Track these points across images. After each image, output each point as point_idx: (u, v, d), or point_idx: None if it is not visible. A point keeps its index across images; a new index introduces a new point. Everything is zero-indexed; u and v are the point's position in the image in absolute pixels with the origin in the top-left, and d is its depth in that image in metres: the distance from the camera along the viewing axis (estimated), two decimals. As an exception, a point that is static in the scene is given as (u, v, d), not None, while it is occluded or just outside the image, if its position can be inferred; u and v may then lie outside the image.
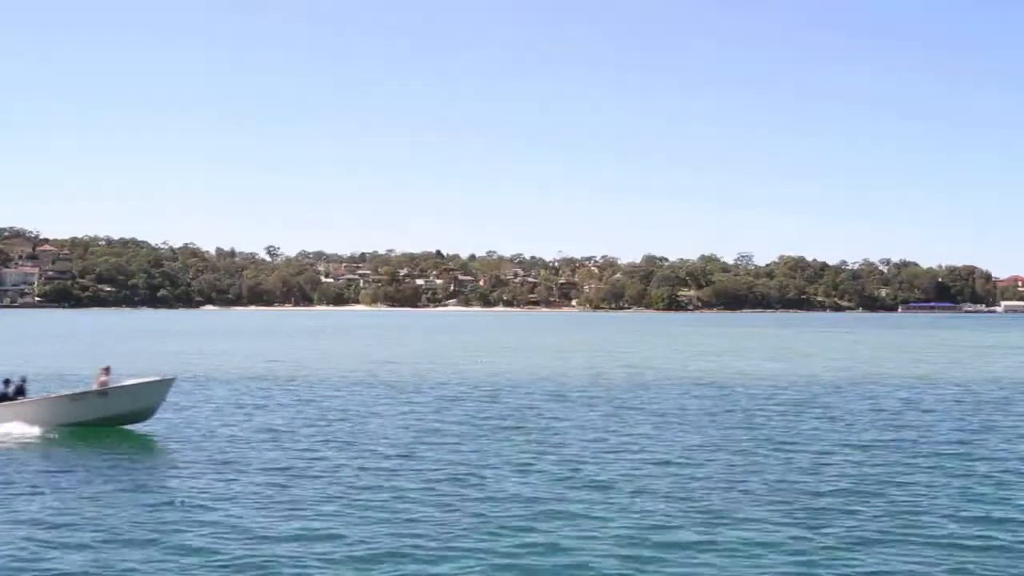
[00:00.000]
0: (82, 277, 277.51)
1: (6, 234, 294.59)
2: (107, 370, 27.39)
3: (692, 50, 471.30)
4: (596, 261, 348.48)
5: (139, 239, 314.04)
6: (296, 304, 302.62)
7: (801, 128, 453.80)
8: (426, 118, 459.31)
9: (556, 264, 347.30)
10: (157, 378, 27.98)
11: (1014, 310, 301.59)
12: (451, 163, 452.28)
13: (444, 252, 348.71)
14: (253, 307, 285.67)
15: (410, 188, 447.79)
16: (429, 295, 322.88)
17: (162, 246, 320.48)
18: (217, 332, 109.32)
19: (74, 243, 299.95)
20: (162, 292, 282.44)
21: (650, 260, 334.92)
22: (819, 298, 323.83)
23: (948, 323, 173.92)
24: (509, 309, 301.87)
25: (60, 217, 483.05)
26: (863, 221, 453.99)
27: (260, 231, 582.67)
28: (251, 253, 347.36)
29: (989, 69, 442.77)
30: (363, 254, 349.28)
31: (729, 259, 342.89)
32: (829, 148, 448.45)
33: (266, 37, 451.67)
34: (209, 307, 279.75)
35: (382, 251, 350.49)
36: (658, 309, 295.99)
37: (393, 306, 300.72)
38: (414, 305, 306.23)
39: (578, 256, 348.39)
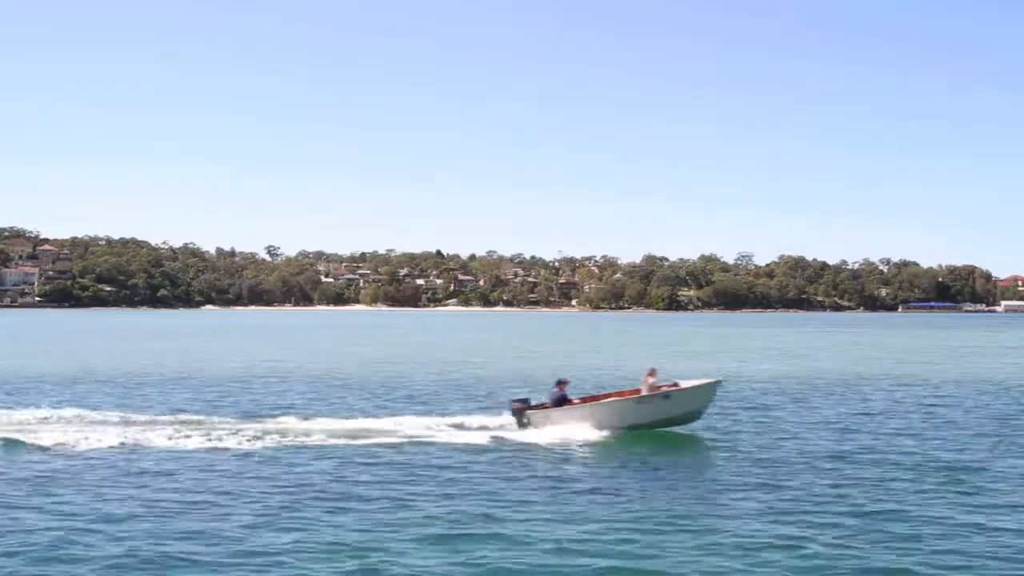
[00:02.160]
0: (82, 277, 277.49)
1: (6, 234, 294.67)
2: (653, 372, 27.31)
3: (692, 50, 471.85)
4: (596, 261, 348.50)
5: (139, 239, 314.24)
6: (296, 304, 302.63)
7: (801, 128, 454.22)
8: (426, 118, 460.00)
9: (556, 264, 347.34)
10: (710, 380, 28.23)
11: (1014, 310, 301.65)
12: (451, 163, 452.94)
13: (444, 252, 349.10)
14: (253, 307, 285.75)
15: (410, 188, 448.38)
16: (429, 295, 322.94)
17: (162, 246, 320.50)
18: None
19: (74, 243, 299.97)
20: (162, 292, 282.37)
21: (650, 260, 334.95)
22: (819, 298, 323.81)
23: (948, 323, 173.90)
24: (509, 309, 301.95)
25: (60, 217, 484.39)
26: (863, 221, 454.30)
27: (260, 231, 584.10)
28: (251, 253, 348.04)
29: (989, 69, 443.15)
30: (363, 254, 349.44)
31: (729, 259, 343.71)
32: (829, 148, 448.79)
33: (266, 37, 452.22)
34: (209, 307, 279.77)
35: (382, 251, 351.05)
36: (658, 309, 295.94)
37: (393, 306, 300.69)
38: (414, 305, 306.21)
39: (578, 256, 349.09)
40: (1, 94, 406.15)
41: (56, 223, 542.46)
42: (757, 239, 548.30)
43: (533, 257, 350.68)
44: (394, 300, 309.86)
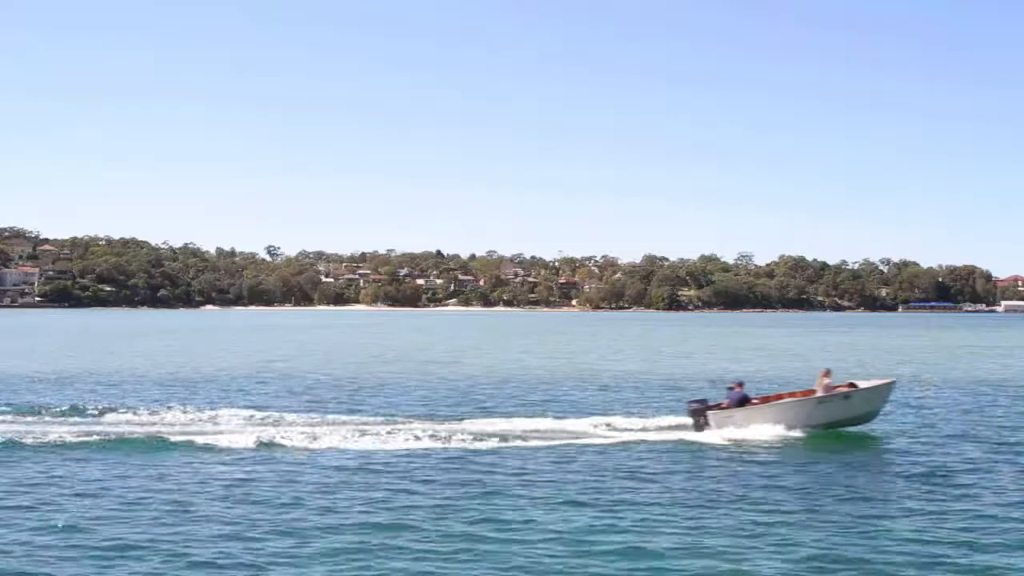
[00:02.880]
0: (82, 277, 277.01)
1: (6, 234, 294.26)
2: (828, 372, 27.62)
3: (692, 50, 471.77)
4: (596, 261, 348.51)
5: (139, 239, 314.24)
6: (296, 304, 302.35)
7: (801, 128, 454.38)
8: (426, 118, 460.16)
9: (556, 264, 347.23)
10: (886, 380, 28.57)
11: (1014, 310, 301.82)
12: (451, 163, 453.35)
13: (444, 252, 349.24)
14: (253, 307, 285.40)
15: (411, 188, 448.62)
16: (429, 295, 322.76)
17: (162, 246, 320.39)
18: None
19: (74, 243, 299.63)
20: (162, 292, 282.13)
21: (650, 260, 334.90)
22: (819, 298, 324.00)
23: (947, 323, 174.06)
24: (509, 309, 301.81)
25: (60, 217, 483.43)
26: (863, 221, 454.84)
27: (260, 231, 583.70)
28: (251, 253, 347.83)
29: (990, 69, 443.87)
30: (363, 254, 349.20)
31: (729, 259, 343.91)
32: (829, 148, 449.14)
33: (266, 37, 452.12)
34: (209, 307, 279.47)
35: (382, 251, 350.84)
36: (658, 309, 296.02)
37: (393, 306, 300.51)
38: (414, 305, 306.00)
39: (578, 256, 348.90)
40: (1, 94, 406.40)
41: (56, 223, 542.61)
42: (757, 239, 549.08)
43: (533, 257, 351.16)
44: (394, 300, 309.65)
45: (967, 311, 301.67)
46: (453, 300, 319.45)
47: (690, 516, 17.48)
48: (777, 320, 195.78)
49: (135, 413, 30.53)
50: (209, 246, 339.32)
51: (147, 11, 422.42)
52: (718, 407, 27.04)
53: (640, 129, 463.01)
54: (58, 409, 31.18)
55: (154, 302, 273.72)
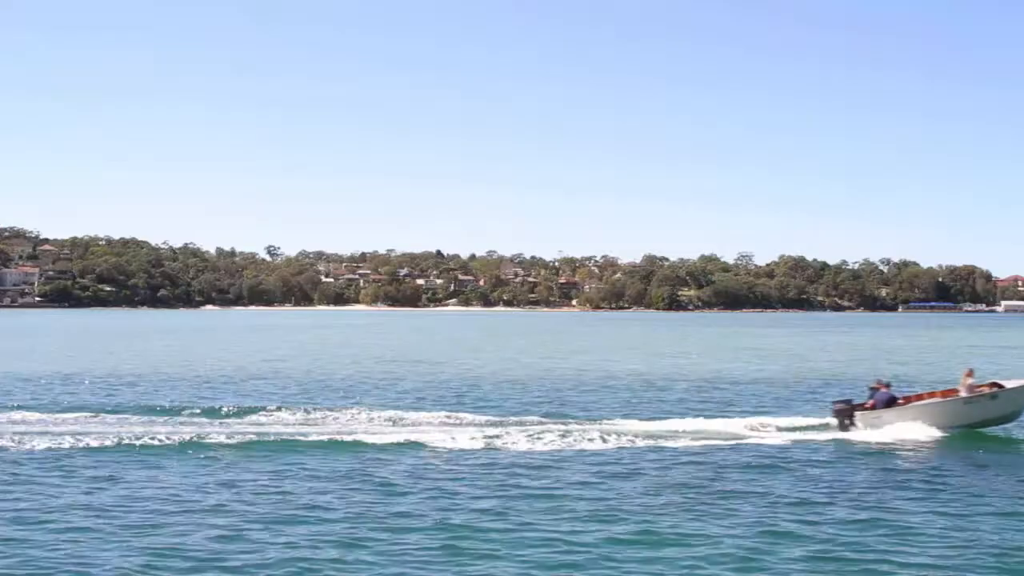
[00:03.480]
0: (82, 277, 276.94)
1: (6, 234, 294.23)
2: (971, 372, 27.81)
3: (692, 50, 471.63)
4: (596, 261, 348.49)
5: (139, 239, 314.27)
6: (296, 304, 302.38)
7: (801, 128, 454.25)
8: (426, 118, 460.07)
9: (556, 264, 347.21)
10: None
11: (1014, 310, 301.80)
12: (451, 163, 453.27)
13: (444, 252, 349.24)
14: (253, 307, 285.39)
15: (411, 188, 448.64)
16: (429, 295, 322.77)
17: (162, 246, 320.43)
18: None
19: (74, 243, 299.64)
20: (162, 292, 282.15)
21: (650, 260, 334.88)
22: (819, 298, 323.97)
23: (947, 323, 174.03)
24: (509, 309, 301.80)
25: (60, 217, 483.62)
26: (863, 221, 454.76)
27: (260, 231, 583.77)
28: (251, 253, 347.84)
29: (990, 69, 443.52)
30: (363, 254, 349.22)
31: (729, 259, 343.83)
32: (829, 148, 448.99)
33: (266, 37, 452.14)
34: (209, 307, 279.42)
35: (382, 251, 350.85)
36: (658, 309, 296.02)
37: (393, 306, 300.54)
38: (414, 305, 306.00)
39: (578, 256, 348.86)
40: (1, 94, 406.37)
41: (56, 223, 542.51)
42: (757, 239, 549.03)
43: (533, 257, 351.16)
44: (394, 300, 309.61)
45: (967, 311, 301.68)
46: (453, 300, 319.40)
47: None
48: (777, 320, 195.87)
49: (133, 414, 30.49)
50: (209, 246, 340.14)
51: (147, 11, 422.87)
52: (862, 407, 27.30)
53: (640, 129, 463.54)
54: (56, 409, 31.14)
55: (154, 302, 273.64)
